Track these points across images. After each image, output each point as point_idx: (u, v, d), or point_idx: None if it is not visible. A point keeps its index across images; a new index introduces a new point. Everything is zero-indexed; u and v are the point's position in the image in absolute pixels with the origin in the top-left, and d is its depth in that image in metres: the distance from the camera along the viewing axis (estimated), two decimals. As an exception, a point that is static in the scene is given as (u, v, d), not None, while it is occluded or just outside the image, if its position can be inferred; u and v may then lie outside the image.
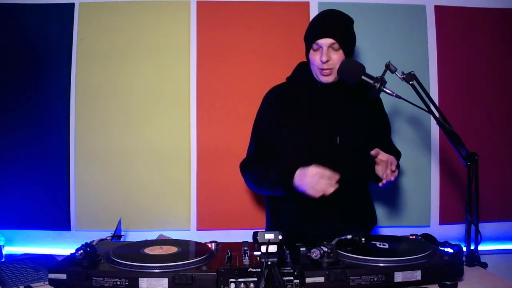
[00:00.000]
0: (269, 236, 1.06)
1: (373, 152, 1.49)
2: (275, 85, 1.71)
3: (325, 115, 1.60)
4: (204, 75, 2.29)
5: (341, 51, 1.53)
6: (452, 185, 2.36)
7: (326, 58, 1.51)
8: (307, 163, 1.46)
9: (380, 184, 1.49)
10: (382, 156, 1.50)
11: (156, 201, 2.27)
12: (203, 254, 1.25)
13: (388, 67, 1.48)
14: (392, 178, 1.46)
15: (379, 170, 1.51)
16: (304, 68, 1.67)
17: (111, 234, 1.57)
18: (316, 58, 1.54)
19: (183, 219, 2.27)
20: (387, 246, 1.34)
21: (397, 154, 1.73)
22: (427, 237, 1.51)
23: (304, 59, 1.67)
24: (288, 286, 1.13)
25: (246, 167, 1.67)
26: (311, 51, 1.55)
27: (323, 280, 1.14)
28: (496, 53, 2.38)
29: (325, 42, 1.51)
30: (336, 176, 1.41)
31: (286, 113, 1.61)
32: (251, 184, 1.68)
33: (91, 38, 2.27)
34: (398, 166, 1.69)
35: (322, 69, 1.54)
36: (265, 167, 1.58)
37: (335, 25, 1.54)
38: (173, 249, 1.32)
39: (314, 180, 1.41)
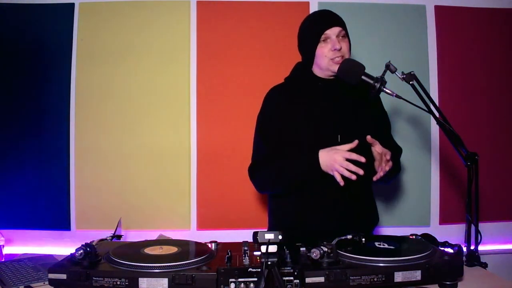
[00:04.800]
0: (269, 236, 1.06)
1: (369, 139, 1.46)
2: (274, 86, 1.70)
3: (325, 114, 1.60)
4: (204, 75, 2.29)
5: (347, 40, 1.59)
6: (452, 185, 2.36)
7: (340, 45, 1.54)
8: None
9: (374, 179, 1.48)
10: (378, 148, 1.48)
11: (156, 201, 2.27)
12: (203, 254, 1.25)
13: (388, 67, 1.47)
14: (387, 168, 1.46)
15: (376, 165, 1.50)
16: (302, 68, 1.67)
17: (111, 234, 1.57)
18: (325, 50, 1.55)
19: (183, 219, 2.27)
20: (387, 246, 1.34)
21: (397, 151, 1.73)
22: (427, 237, 1.51)
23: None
24: (288, 286, 1.12)
25: (258, 168, 1.63)
26: (320, 45, 1.56)
27: (323, 280, 1.14)
28: (496, 53, 2.38)
29: (333, 31, 1.55)
30: (362, 159, 1.40)
31: (287, 112, 1.61)
32: (267, 183, 1.64)
33: (91, 38, 2.27)
34: (398, 162, 1.69)
35: (333, 59, 1.55)
36: (285, 158, 1.57)
37: (337, 15, 1.60)
38: (173, 249, 1.32)
39: (340, 160, 1.41)
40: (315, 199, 1.58)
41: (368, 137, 1.47)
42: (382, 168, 1.46)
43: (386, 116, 1.79)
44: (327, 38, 1.55)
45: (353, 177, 1.40)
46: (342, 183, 1.42)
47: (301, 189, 1.57)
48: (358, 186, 1.51)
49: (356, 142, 1.44)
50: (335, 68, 1.55)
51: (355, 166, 1.40)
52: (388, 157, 1.46)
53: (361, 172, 1.39)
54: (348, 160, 1.41)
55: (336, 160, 1.42)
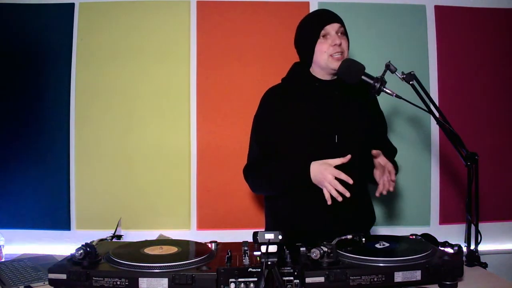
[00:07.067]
0: (269, 236, 1.05)
1: (374, 152, 1.50)
2: (272, 86, 1.71)
3: (323, 114, 1.60)
4: (204, 75, 2.29)
5: (346, 37, 1.60)
6: (452, 185, 2.36)
7: (339, 40, 1.55)
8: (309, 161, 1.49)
9: (377, 194, 1.51)
10: (382, 160, 1.52)
11: (156, 201, 2.27)
12: (203, 254, 1.25)
13: (388, 67, 1.48)
14: (391, 189, 1.49)
15: (377, 174, 1.54)
16: (300, 68, 1.68)
17: (111, 234, 1.57)
18: (325, 46, 1.56)
19: (183, 219, 2.27)
20: (387, 246, 1.34)
21: (393, 151, 1.76)
22: (427, 237, 1.51)
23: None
24: (288, 286, 1.12)
25: (252, 171, 1.65)
26: (319, 41, 1.56)
27: (323, 280, 1.14)
28: (496, 53, 2.38)
29: (333, 27, 1.56)
30: (350, 180, 1.40)
31: (285, 113, 1.61)
32: (259, 186, 1.67)
33: (91, 38, 2.27)
34: (395, 164, 1.70)
35: (332, 55, 1.55)
36: (277, 164, 1.58)
37: (335, 13, 1.61)
38: (173, 249, 1.32)
39: (329, 178, 1.41)
40: (310, 199, 1.58)
41: (374, 151, 1.50)
42: (385, 186, 1.49)
43: (383, 117, 1.80)
44: (327, 34, 1.56)
45: (339, 198, 1.41)
46: (329, 201, 1.43)
47: (295, 190, 1.58)
48: (354, 186, 1.51)
49: (348, 157, 1.44)
50: (335, 65, 1.55)
51: (343, 187, 1.40)
52: (393, 177, 1.48)
53: (347, 194, 1.40)
54: (337, 179, 1.41)
55: (325, 177, 1.43)
